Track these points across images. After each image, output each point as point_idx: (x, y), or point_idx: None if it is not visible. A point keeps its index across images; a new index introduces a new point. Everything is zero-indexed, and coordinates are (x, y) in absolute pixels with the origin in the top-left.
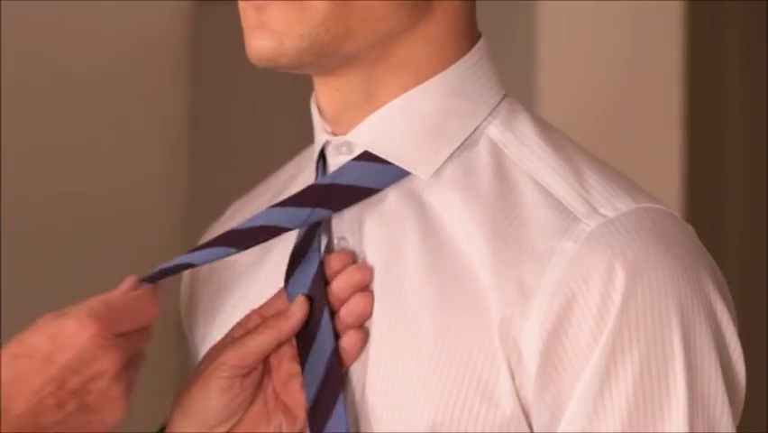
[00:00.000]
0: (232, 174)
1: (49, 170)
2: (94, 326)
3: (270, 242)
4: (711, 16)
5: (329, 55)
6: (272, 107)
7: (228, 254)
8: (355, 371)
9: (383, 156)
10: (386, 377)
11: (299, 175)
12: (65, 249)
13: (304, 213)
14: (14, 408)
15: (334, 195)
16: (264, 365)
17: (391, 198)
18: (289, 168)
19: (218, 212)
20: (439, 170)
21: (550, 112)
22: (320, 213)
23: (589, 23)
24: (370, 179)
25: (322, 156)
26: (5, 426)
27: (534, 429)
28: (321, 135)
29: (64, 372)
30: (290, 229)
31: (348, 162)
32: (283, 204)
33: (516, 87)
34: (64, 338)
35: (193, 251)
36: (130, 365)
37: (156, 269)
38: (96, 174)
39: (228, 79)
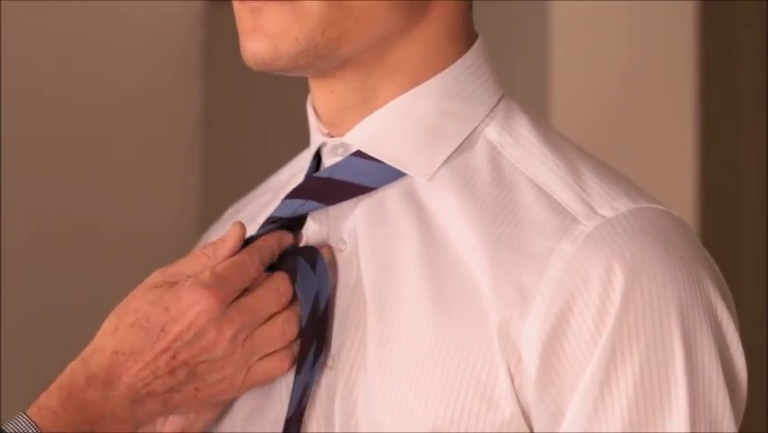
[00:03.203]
0: (244, 174)
1: (63, 170)
2: (207, 298)
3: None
4: (724, 18)
5: (324, 58)
6: (284, 107)
7: None
8: (354, 373)
9: (380, 158)
10: (384, 380)
11: (298, 175)
12: (79, 249)
13: (296, 203)
14: (127, 377)
15: (328, 189)
16: None
17: (390, 200)
18: (288, 169)
19: None
20: (437, 172)
21: (563, 113)
22: (311, 205)
23: (602, 23)
24: (365, 176)
25: (317, 158)
26: (118, 395)
27: (535, 430)
28: (317, 137)
29: (177, 344)
30: (284, 219)
31: (347, 157)
32: (293, 195)
33: (530, 89)
34: (177, 310)
35: None
36: (245, 337)
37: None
38: (111, 174)
39: (240, 80)
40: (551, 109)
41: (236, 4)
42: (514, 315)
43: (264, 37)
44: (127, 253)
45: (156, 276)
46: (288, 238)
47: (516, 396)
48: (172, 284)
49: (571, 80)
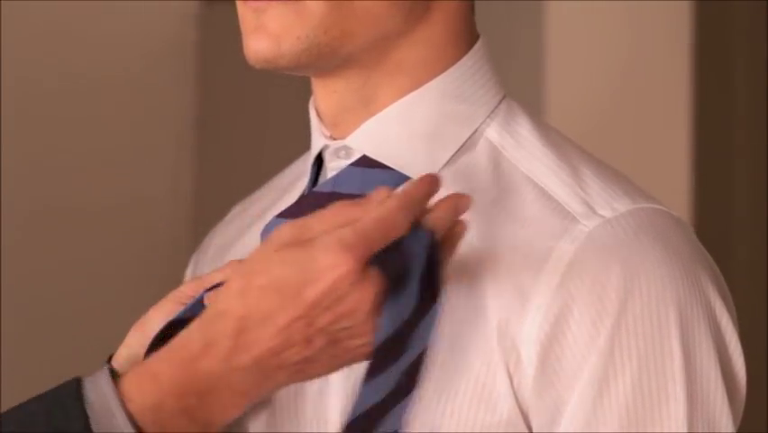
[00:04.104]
0: (238, 175)
1: (57, 171)
2: (347, 260)
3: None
4: (719, 18)
5: (326, 57)
6: (279, 109)
7: None
8: (355, 373)
9: (382, 161)
10: None
11: (301, 178)
12: (72, 250)
13: None
14: (255, 347)
15: None
16: None
17: None
18: (291, 171)
19: (225, 213)
20: (439, 173)
21: (558, 113)
22: None
23: (597, 23)
24: (370, 186)
25: (318, 160)
26: (240, 366)
27: (534, 430)
28: (318, 139)
29: (314, 310)
30: None
31: (347, 168)
32: (288, 214)
33: (525, 88)
34: (315, 272)
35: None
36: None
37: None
38: (104, 175)
39: (235, 81)
40: (546, 109)
41: (239, 4)
42: (513, 314)
43: (267, 36)
44: (121, 253)
45: (285, 231)
46: (465, 201)
47: (515, 396)
48: (306, 242)
49: (567, 81)
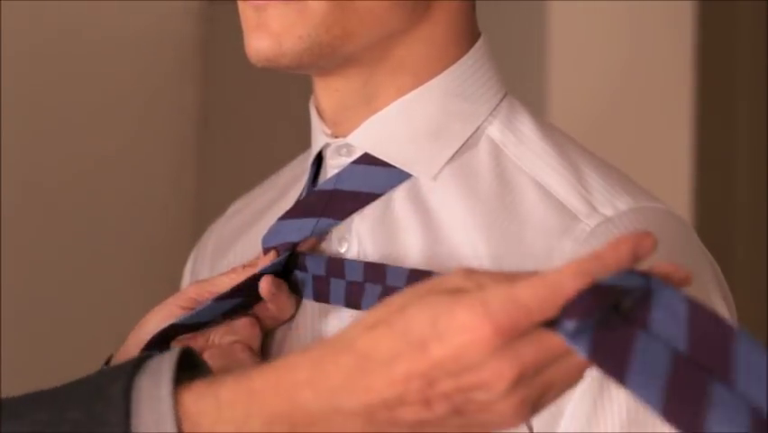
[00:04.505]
0: (239, 171)
1: (59, 167)
2: (482, 325)
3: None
4: (722, 17)
5: (328, 56)
6: (281, 106)
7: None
8: None
9: (384, 158)
10: None
11: (302, 175)
12: (74, 245)
13: (309, 224)
14: (368, 393)
15: (338, 203)
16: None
17: (395, 201)
18: (292, 168)
19: (225, 209)
20: (441, 171)
21: (561, 111)
22: (325, 222)
23: (600, 22)
24: (372, 183)
25: (317, 161)
26: (347, 408)
27: (534, 429)
28: (319, 137)
29: (436, 371)
30: (298, 242)
31: (349, 166)
32: (290, 215)
33: (527, 87)
34: (447, 327)
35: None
36: (534, 375)
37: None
38: (106, 171)
39: (237, 78)
40: (548, 108)
41: (240, 3)
42: None
43: (268, 34)
44: (121, 251)
45: (455, 275)
46: (648, 242)
47: None
48: (460, 291)
49: (569, 79)
